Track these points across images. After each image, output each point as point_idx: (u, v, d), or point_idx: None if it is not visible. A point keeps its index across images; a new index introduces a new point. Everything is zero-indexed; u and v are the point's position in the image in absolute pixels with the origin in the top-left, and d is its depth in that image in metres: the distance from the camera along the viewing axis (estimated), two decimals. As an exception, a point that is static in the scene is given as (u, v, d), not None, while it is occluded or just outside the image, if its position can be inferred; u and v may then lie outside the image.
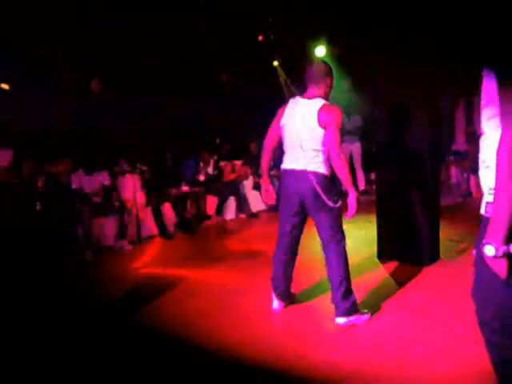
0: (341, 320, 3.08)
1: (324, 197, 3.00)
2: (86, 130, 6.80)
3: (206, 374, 2.61)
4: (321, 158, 3.03)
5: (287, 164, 3.17)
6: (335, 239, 3.10)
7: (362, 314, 3.15)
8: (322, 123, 2.97)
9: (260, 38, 7.95)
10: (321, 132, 2.99)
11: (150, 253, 5.59)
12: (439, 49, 4.07)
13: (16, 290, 4.11)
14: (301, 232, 3.31)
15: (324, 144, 3.01)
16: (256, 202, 7.91)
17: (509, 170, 1.43)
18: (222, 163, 7.95)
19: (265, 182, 3.41)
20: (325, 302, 3.37)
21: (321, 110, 2.99)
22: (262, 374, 2.59)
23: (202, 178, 7.56)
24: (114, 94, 7.24)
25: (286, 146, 3.19)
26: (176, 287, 4.04)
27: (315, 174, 3.02)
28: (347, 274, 3.10)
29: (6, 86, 3.00)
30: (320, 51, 8.09)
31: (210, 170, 7.72)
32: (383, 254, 4.53)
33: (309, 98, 3.10)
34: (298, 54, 7.81)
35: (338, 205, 3.07)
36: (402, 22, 4.17)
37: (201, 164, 7.70)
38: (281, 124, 3.18)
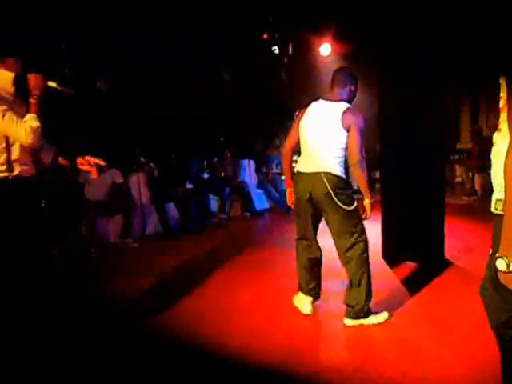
0: (349, 322, 3.05)
1: (336, 199, 2.96)
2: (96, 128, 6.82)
3: (208, 376, 2.59)
4: (338, 159, 3.00)
5: (302, 167, 3.13)
6: (350, 242, 3.04)
7: (373, 316, 3.10)
8: (346, 125, 2.96)
9: (265, 36, 7.95)
10: (343, 134, 2.97)
11: (155, 251, 5.61)
12: (445, 47, 4.06)
13: (19, 288, 4.13)
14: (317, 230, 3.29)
15: (344, 146, 3.00)
16: (260, 200, 7.93)
17: None
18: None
19: (289, 185, 3.36)
20: (333, 301, 3.37)
21: (346, 113, 2.98)
22: (265, 377, 2.56)
23: (206, 176, 7.59)
24: (119, 93, 7.25)
25: (303, 148, 3.16)
26: (180, 286, 4.05)
27: (329, 175, 2.98)
28: (367, 277, 3.04)
29: (53, 84, 2.99)
30: (325, 49, 8.07)
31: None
32: (388, 254, 4.52)
33: (333, 101, 3.09)
34: (303, 52, 7.81)
35: (352, 207, 3.00)
36: (408, 20, 4.16)
37: (205, 163, 7.73)
38: (300, 125, 3.17)
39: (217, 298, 3.73)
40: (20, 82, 2.74)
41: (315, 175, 3.01)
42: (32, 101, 2.74)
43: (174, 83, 7.38)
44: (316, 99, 3.21)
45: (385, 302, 3.42)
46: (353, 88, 3.16)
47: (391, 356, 2.65)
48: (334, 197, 2.95)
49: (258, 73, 8.47)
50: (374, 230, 4.81)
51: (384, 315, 3.11)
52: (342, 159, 3.02)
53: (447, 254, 4.44)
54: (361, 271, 3.02)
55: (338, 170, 3.00)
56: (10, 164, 2.70)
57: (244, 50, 7.83)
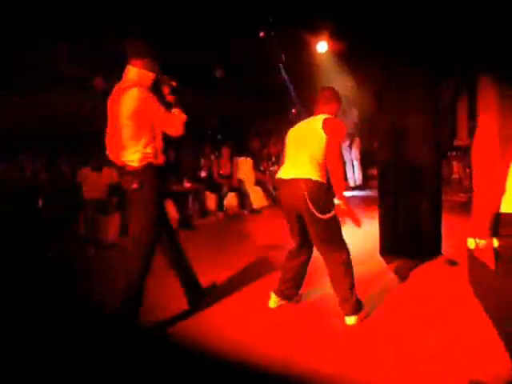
0: (351, 320, 3.06)
1: (312, 207, 2.94)
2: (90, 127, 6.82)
3: (206, 375, 2.58)
4: (318, 165, 3.03)
5: (283, 173, 3.17)
6: (330, 253, 3.07)
7: (366, 310, 3.14)
8: (326, 131, 3.02)
9: (261, 34, 7.92)
10: (323, 140, 3.02)
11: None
12: (442, 45, 4.06)
13: (17, 287, 4.12)
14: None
15: (322, 153, 3.03)
16: (258, 197, 7.92)
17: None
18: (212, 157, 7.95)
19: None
20: (327, 301, 3.37)
21: (326, 120, 3.08)
22: (263, 377, 2.56)
23: (203, 174, 7.57)
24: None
25: (286, 157, 3.25)
26: (177, 284, 4.04)
27: (308, 181, 2.98)
28: (351, 278, 3.07)
29: (174, 83, 3.12)
30: (321, 47, 8.05)
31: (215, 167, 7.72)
32: (385, 250, 4.53)
33: (318, 115, 3.22)
34: (300, 51, 7.79)
35: (328, 216, 2.97)
36: (405, 17, 4.15)
37: (202, 161, 7.71)
38: (286, 138, 3.31)
39: (214, 294, 3.73)
40: (157, 82, 3.10)
41: (296, 181, 3.03)
42: (171, 98, 3.14)
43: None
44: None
45: (381, 298, 3.43)
46: (336, 105, 3.29)
47: (387, 354, 2.65)
48: (309, 204, 2.95)
49: (254, 70, 8.45)
50: (371, 226, 4.83)
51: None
52: (323, 164, 3.04)
53: (444, 251, 4.44)
54: (342, 283, 3.05)
55: (318, 176, 3.01)
56: (156, 152, 3.07)
57: (240, 47, 7.81)
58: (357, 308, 3.07)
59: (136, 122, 2.93)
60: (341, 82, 7.87)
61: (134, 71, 3.02)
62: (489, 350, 2.45)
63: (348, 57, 7.49)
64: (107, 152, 3.16)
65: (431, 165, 4.30)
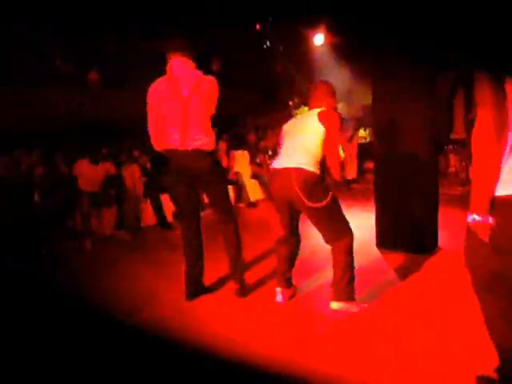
0: (335, 305, 3.10)
1: (303, 196, 2.95)
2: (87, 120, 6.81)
3: (205, 374, 2.55)
4: (313, 155, 3.03)
5: (277, 163, 3.17)
6: (331, 242, 3.11)
7: (358, 304, 3.14)
8: (322, 123, 3.02)
9: (257, 26, 7.90)
10: (320, 131, 3.03)
11: (149, 243, 5.60)
12: (439, 40, 4.05)
13: (14, 281, 4.12)
14: (297, 221, 3.34)
15: (317, 143, 3.04)
16: (254, 191, 7.92)
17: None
18: None
19: None
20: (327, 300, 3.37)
21: (322, 112, 3.08)
22: (263, 377, 2.53)
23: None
24: (111, 84, 7.21)
25: (282, 148, 3.23)
26: (175, 277, 4.04)
27: (301, 170, 2.98)
28: (350, 266, 3.10)
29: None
30: (319, 39, 8.03)
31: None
32: (382, 243, 4.54)
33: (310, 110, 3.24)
34: (296, 43, 7.77)
35: (319, 205, 2.97)
36: (401, 10, 4.13)
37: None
38: (282, 131, 3.30)
39: (213, 288, 3.73)
40: None
41: (287, 170, 3.02)
42: None
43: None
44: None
45: (378, 291, 3.44)
46: (331, 100, 3.26)
47: (388, 353, 2.64)
48: (300, 193, 2.96)
49: (250, 63, 8.42)
50: (367, 219, 4.84)
51: (364, 305, 3.16)
52: (318, 155, 3.04)
53: (440, 244, 4.46)
54: (343, 272, 3.07)
55: (312, 166, 3.00)
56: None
57: (236, 40, 7.78)
58: (345, 297, 3.08)
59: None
60: (339, 75, 7.87)
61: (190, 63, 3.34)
62: (481, 339, 2.46)
63: (345, 50, 7.48)
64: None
65: (428, 158, 4.30)
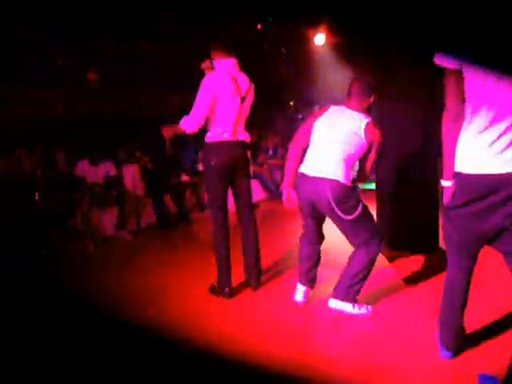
0: (334, 303, 3.08)
1: (338, 209, 2.91)
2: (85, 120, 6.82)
3: (205, 374, 2.56)
4: (349, 167, 2.97)
5: (308, 169, 3.05)
6: (358, 247, 3.09)
7: (360, 306, 3.12)
8: (369, 138, 2.95)
9: (258, 26, 7.89)
10: (362, 145, 2.96)
11: (150, 243, 5.60)
12: (438, 39, 4.04)
13: (14, 281, 4.11)
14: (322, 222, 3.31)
15: (356, 155, 3.00)
16: (255, 191, 7.91)
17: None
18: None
19: (289, 185, 3.18)
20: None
21: (370, 126, 2.95)
22: (263, 377, 2.54)
23: (201, 167, 7.54)
24: (110, 84, 7.21)
25: (313, 150, 3.09)
26: (176, 277, 4.05)
27: (335, 182, 2.91)
28: (366, 272, 3.08)
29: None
30: (319, 39, 8.02)
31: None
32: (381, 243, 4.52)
33: (354, 111, 3.05)
34: (297, 43, 7.76)
35: (353, 216, 2.95)
36: (403, 9, 4.13)
37: (200, 154, 7.68)
38: (315, 125, 3.09)
39: (212, 290, 3.71)
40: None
41: (320, 181, 2.94)
42: None
43: (167, 74, 7.33)
44: (335, 103, 3.18)
45: (377, 291, 3.44)
46: (372, 100, 3.12)
47: (389, 352, 2.64)
48: (334, 206, 2.91)
49: (251, 62, 8.40)
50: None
51: (367, 308, 3.13)
52: (353, 167, 3.01)
53: (441, 244, 4.45)
54: (356, 272, 3.05)
55: (346, 179, 2.93)
56: None
57: (236, 40, 7.76)
58: (347, 298, 3.06)
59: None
60: (340, 75, 7.84)
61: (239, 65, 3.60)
62: (494, 341, 2.45)
63: (345, 50, 7.46)
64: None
65: (428, 158, 4.29)
